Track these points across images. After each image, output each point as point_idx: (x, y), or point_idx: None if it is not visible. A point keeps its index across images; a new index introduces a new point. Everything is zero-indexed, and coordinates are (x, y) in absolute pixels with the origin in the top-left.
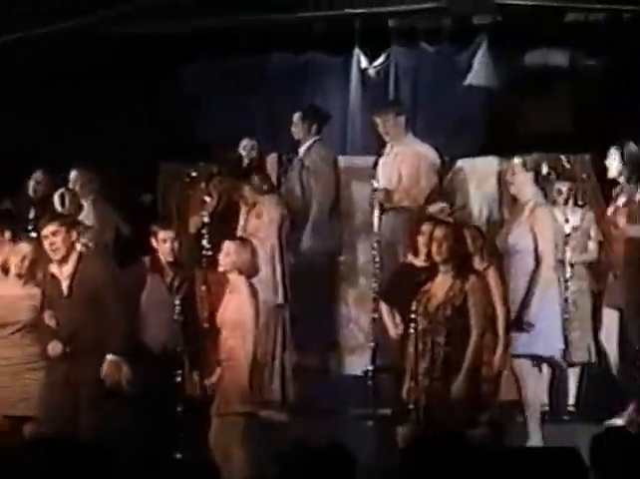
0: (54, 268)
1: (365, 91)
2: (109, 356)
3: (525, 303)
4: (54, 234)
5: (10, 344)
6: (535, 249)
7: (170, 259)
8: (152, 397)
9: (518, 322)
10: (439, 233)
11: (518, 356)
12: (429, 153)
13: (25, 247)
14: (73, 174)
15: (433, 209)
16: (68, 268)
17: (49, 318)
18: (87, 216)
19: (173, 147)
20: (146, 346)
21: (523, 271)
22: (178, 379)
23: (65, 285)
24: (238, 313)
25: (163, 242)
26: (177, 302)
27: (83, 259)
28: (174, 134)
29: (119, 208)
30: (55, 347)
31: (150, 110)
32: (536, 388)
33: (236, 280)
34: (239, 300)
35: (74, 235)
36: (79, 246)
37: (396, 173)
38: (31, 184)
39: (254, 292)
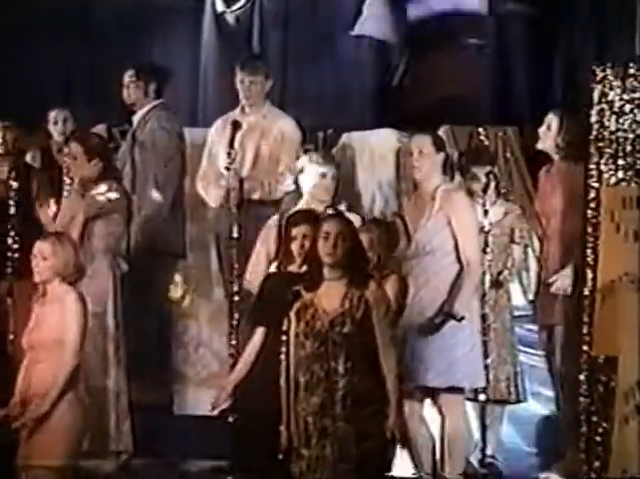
0: None
1: (221, 43)
2: None
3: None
4: None
5: None
6: (456, 249)
7: None
8: None
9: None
10: (330, 228)
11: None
12: (293, 129)
13: None
14: None
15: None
16: None
17: None
18: None
19: None
20: None
21: (438, 279)
22: None
23: None
24: (60, 330)
25: None
26: None
27: None
28: None
29: None
30: None
31: None
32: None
33: (56, 289)
34: (62, 313)
35: None
36: None
37: (250, 153)
38: None
39: (81, 300)
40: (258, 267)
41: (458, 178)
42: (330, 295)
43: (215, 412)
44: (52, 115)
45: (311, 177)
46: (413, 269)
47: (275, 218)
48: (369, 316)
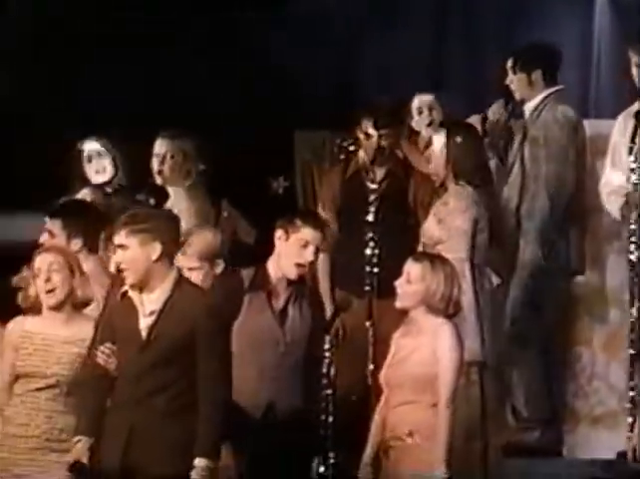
0: (131, 292)
1: (616, 18)
2: (199, 461)
3: None
4: (122, 246)
5: (31, 406)
6: None
7: (293, 275)
8: None
9: None
10: None
11: None
12: None
13: (42, 261)
14: (160, 144)
15: None
16: (155, 301)
17: (105, 356)
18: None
19: (311, 105)
20: (237, 409)
21: None
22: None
23: (145, 325)
24: (429, 366)
25: (302, 246)
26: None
27: (178, 290)
28: (310, 87)
29: (232, 200)
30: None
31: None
32: None
33: (423, 319)
34: (432, 348)
35: (157, 248)
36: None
37: None
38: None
39: (457, 335)
40: None
41: None
42: None
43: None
44: (415, 102)
45: None
46: None
47: None
48: None
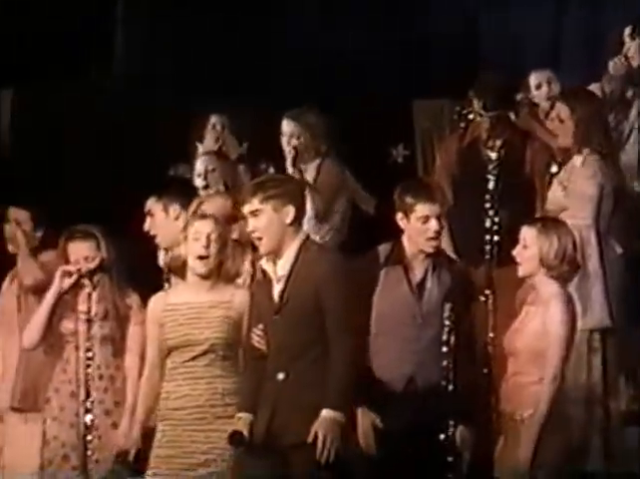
0: (266, 265)
1: None
2: (326, 412)
3: None
4: (255, 213)
5: (189, 376)
6: None
7: (430, 249)
8: None
9: None
10: None
11: None
12: None
13: (206, 226)
14: (287, 124)
15: None
16: (284, 266)
17: (258, 338)
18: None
19: (430, 73)
20: (378, 382)
21: None
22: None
23: (277, 292)
24: (538, 339)
25: (423, 222)
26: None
27: (303, 253)
28: (429, 55)
29: (352, 169)
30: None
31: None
32: None
33: (542, 285)
34: (543, 318)
35: (290, 211)
36: (300, 232)
37: None
38: (209, 134)
39: (569, 306)
40: None
41: None
42: None
43: None
44: (532, 79)
45: None
46: None
47: None
48: None
